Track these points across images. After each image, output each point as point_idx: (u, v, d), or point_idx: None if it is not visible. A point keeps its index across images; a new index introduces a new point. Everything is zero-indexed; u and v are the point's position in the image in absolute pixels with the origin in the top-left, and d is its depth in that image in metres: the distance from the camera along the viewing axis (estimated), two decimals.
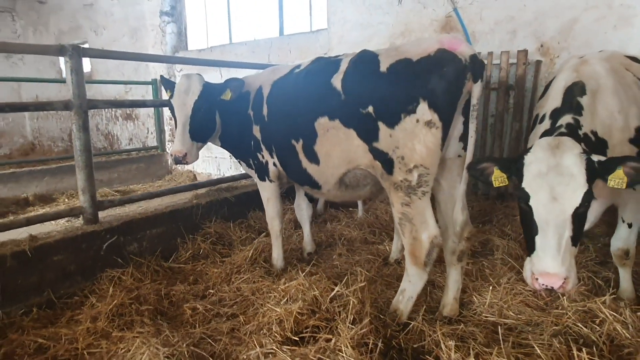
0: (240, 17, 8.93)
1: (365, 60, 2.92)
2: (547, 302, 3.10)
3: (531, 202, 2.26)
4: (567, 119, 2.64)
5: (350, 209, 5.74)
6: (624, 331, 2.68)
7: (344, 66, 3.01)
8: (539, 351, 2.49)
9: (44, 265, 3.58)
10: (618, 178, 2.22)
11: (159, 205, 4.74)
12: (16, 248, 3.45)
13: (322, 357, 2.42)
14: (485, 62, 5.42)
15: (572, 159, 2.20)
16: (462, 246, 3.06)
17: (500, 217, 5.09)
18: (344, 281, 3.15)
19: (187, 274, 4.13)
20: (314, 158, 3.23)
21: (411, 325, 2.88)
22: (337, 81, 2.98)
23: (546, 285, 2.15)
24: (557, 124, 2.64)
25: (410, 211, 2.83)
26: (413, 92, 2.67)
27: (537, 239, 2.23)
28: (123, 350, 2.83)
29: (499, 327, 2.90)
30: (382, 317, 2.97)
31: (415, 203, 2.80)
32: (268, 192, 3.95)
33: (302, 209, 4.52)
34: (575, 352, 2.47)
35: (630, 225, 3.04)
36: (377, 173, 2.95)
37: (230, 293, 3.61)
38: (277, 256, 4.07)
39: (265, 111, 3.62)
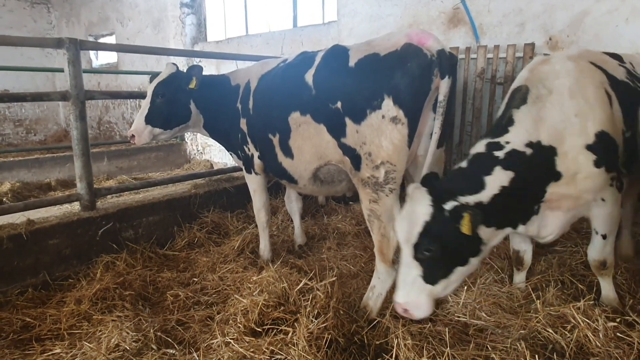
0: (257, 8, 8.97)
1: (336, 55, 2.90)
2: (521, 304, 3.02)
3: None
4: (479, 147, 2.57)
5: (351, 202, 5.72)
6: (595, 339, 2.59)
7: (317, 61, 3.00)
8: (493, 355, 2.44)
9: (40, 248, 3.77)
10: (466, 224, 2.26)
11: (157, 194, 4.88)
12: (13, 231, 3.64)
13: (274, 349, 2.46)
14: (492, 55, 5.26)
15: (417, 209, 2.33)
16: None
17: None
18: (311, 274, 3.16)
19: (179, 262, 4.25)
20: (288, 152, 3.25)
21: (376, 322, 2.88)
22: (309, 76, 2.98)
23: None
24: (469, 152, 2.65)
25: (378, 208, 2.81)
26: (378, 88, 2.64)
27: None
28: (100, 333, 2.96)
29: (470, 327, 2.88)
30: (349, 312, 2.98)
31: (383, 200, 2.79)
32: (254, 184, 4.00)
33: (292, 202, 4.56)
34: (537, 357, 2.42)
35: (604, 237, 2.84)
36: (347, 169, 2.94)
37: (213, 282, 3.70)
38: (264, 247, 4.13)
39: (251, 105, 3.66)
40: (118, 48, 6.39)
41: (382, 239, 2.85)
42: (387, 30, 6.31)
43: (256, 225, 4.31)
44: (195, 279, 3.79)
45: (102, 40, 12.64)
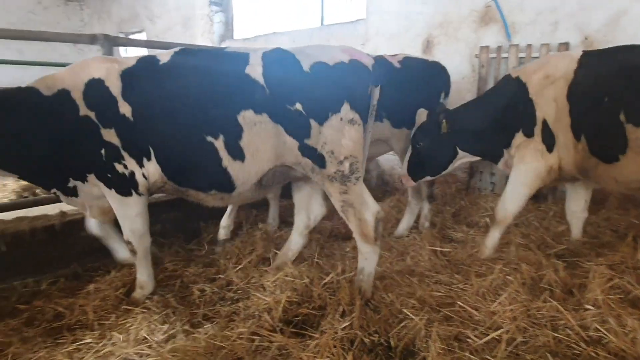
0: (284, 6, 9.00)
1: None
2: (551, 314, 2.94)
3: None
4: None
5: None
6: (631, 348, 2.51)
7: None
8: None
9: (73, 240, 3.87)
10: None
11: None
12: (47, 222, 3.76)
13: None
14: (524, 55, 5.14)
15: None
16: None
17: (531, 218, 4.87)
18: (339, 270, 3.18)
19: (204, 257, 4.29)
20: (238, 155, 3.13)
21: (404, 323, 2.85)
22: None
23: None
24: None
25: (349, 197, 3.08)
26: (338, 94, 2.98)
27: None
28: (129, 325, 3.01)
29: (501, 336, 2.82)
30: (376, 311, 2.97)
31: (352, 189, 3.08)
32: (138, 207, 3.29)
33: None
34: None
35: None
36: (307, 169, 3.09)
37: (238, 279, 3.72)
38: (148, 277, 3.47)
39: None
40: (149, 44, 6.55)
41: (360, 222, 3.09)
42: (416, 29, 6.26)
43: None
44: (221, 275, 3.81)
45: (131, 37, 12.90)
